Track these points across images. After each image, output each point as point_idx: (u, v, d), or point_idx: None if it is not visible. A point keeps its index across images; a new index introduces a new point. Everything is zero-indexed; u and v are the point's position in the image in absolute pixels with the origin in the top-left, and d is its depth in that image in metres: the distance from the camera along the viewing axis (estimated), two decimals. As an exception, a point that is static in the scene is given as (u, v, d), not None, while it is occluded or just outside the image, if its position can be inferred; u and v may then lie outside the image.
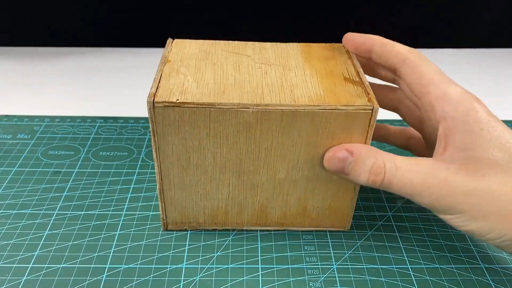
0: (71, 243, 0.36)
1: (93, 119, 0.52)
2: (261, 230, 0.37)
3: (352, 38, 0.35)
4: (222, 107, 0.30)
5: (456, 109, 0.30)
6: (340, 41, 0.39)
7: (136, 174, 0.43)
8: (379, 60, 0.34)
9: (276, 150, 0.32)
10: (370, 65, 0.36)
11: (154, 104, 0.30)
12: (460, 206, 0.29)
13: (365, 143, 0.32)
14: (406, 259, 0.36)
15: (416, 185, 0.29)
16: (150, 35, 0.69)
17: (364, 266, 0.35)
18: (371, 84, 0.37)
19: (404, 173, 0.30)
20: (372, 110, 0.30)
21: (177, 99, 0.30)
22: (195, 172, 0.34)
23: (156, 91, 0.31)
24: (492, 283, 0.34)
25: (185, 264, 0.34)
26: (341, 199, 0.35)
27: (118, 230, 0.37)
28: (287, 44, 0.38)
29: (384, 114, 0.53)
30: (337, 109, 0.30)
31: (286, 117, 0.30)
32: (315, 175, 0.34)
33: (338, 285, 0.33)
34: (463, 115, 0.30)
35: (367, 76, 0.35)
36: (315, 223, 0.37)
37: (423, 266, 0.35)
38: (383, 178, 0.30)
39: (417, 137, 0.39)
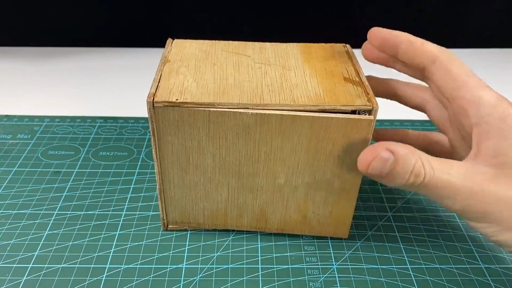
0: (71, 243, 0.36)
1: (93, 119, 0.52)
2: (261, 231, 0.37)
3: (378, 33, 0.33)
4: (222, 107, 0.30)
5: (491, 114, 0.28)
6: (340, 41, 0.39)
7: (136, 174, 0.43)
8: (405, 59, 0.32)
9: (276, 154, 0.32)
10: (397, 61, 0.34)
11: (153, 104, 0.30)
12: (493, 215, 0.28)
13: None
14: (406, 259, 0.36)
15: (450, 188, 0.28)
16: (150, 35, 0.69)
17: (364, 266, 0.35)
18: (398, 81, 0.36)
19: (439, 175, 0.28)
20: (372, 113, 0.30)
21: (177, 99, 0.30)
22: (194, 172, 0.34)
23: (155, 91, 0.31)
24: (492, 283, 0.34)
25: (185, 264, 0.34)
26: (342, 207, 0.35)
27: (118, 230, 0.37)
28: (287, 44, 0.38)
29: (384, 114, 0.53)
30: (337, 112, 0.30)
31: (286, 121, 0.30)
32: (316, 182, 0.33)
33: (338, 285, 0.33)
34: (499, 121, 0.28)
35: (394, 71, 0.35)
36: (315, 230, 0.36)
37: (423, 266, 0.35)
38: (422, 180, 0.28)
39: (440, 142, 0.38)
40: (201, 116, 0.30)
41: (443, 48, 0.31)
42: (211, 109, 0.30)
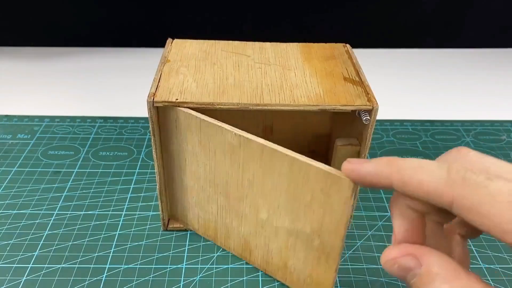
0: (71, 243, 0.36)
1: (93, 119, 0.52)
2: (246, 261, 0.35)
3: (352, 169, 0.24)
4: (222, 106, 0.30)
5: None
6: (340, 41, 0.38)
7: (136, 174, 0.43)
8: (407, 200, 0.23)
9: (258, 186, 0.29)
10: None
11: (153, 104, 0.30)
12: None
13: (346, 217, 0.26)
14: (406, 259, 0.35)
15: None
16: (150, 35, 0.69)
17: (364, 266, 0.35)
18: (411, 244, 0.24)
19: None
20: (372, 113, 0.30)
21: (176, 99, 0.30)
22: (190, 176, 0.33)
23: (155, 91, 0.31)
24: (492, 283, 0.34)
25: (185, 264, 0.34)
26: (322, 272, 0.30)
27: (118, 230, 0.37)
28: (287, 44, 0.38)
29: (385, 114, 0.53)
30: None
31: (266, 153, 0.28)
32: (295, 232, 0.30)
33: (339, 285, 0.33)
34: None
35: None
36: (295, 285, 0.32)
37: (423, 266, 0.35)
38: None
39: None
40: (194, 122, 0.30)
41: (454, 175, 0.21)
42: (202, 117, 0.29)
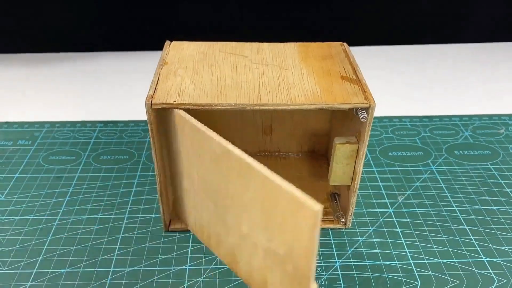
0: (74, 247, 0.36)
1: (93, 123, 0.52)
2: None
3: None
4: (220, 107, 0.30)
5: None
6: (338, 40, 0.39)
7: (137, 177, 0.43)
8: None
9: (239, 198, 0.29)
10: None
11: (152, 106, 0.30)
12: None
13: (314, 245, 0.24)
14: (408, 254, 0.36)
15: None
16: (149, 38, 0.69)
17: (367, 263, 0.35)
18: None
19: None
20: (369, 111, 0.30)
21: (174, 101, 0.30)
22: (187, 179, 0.33)
23: (154, 93, 0.31)
24: (494, 276, 0.34)
25: (189, 266, 0.34)
26: None
27: (121, 233, 0.37)
28: (285, 44, 0.38)
29: (382, 111, 0.53)
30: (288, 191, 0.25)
31: (244, 166, 0.27)
32: (272, 252, 0.28)
33: (342, 282, 0.33)
34: None
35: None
36: None
37: (426, 261, 0.35)
38: None
39: None
40: (187, 125, 0.30)
41: None
42: (192, 121, 0.29)
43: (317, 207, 0.22)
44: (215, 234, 0.33)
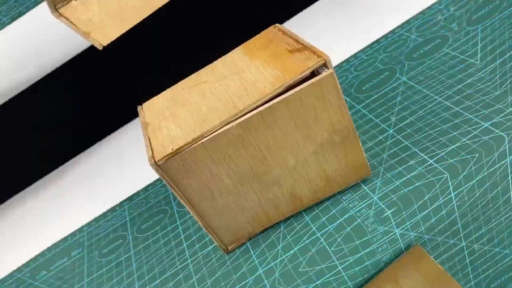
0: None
1: (120, 205, 0.56)
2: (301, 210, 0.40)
3: None
4: (211, 134, 0.34)
5: None
6: (267, 26, 0.41)
7: (180, 225, 0.47)
8: None
9: (275, 144, 0.35)
10: None
11: (157, 164, 0.34)
12: None
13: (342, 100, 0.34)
14: (425, 157, 0.39)
15: None
16: (125, 113, 0.72)
17: (397, 182, 0.38)
18: None
19: None
20: (328, 66, 0.33)
21: (173, 149, 0.34)
22: (220, 196, 0.37)
23: (152, 153, 0.34)
24: (503, 134, 0.37)
25: (261, 269, 0.38)
26: (353, 153, 0.37)
27: (194, 276, 0.41)
28: (231, 52, 0.41)
29: (339, 57, 0.55)
30: (301, 82, 0.33)
31: (266, 116, 0.34)
32: (319, 147, 0.36)
33: (387, 209, 0.37)
34: None
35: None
36: (343, 183, 0.39)
37: (443, 154, 0.38)
38: None
39: None
40: (199, 151, 0.34)
41: None
42: (203, 140, 0.33)
43: (329, 71, 0.32)
44: (272, 203, 0.39)
